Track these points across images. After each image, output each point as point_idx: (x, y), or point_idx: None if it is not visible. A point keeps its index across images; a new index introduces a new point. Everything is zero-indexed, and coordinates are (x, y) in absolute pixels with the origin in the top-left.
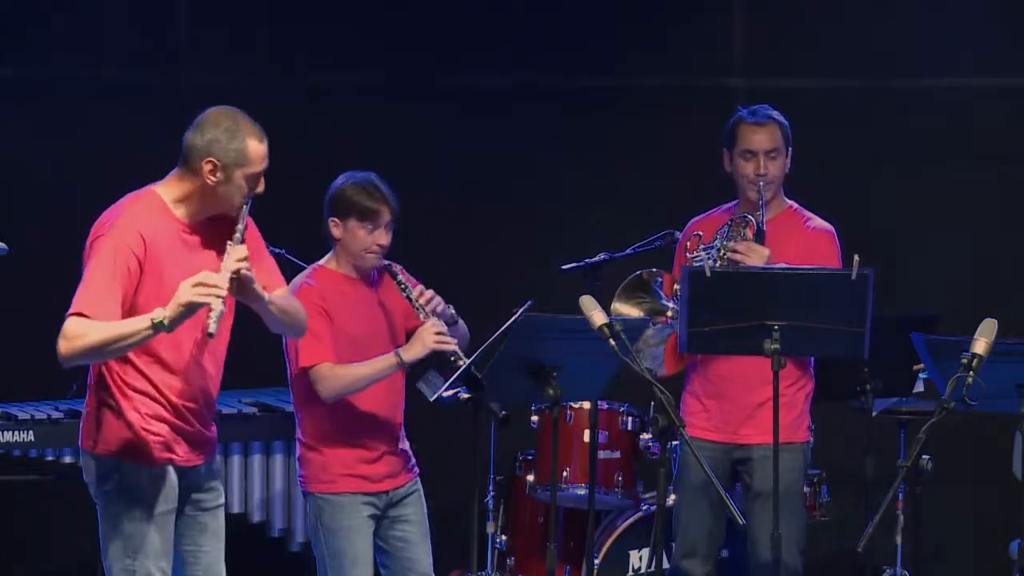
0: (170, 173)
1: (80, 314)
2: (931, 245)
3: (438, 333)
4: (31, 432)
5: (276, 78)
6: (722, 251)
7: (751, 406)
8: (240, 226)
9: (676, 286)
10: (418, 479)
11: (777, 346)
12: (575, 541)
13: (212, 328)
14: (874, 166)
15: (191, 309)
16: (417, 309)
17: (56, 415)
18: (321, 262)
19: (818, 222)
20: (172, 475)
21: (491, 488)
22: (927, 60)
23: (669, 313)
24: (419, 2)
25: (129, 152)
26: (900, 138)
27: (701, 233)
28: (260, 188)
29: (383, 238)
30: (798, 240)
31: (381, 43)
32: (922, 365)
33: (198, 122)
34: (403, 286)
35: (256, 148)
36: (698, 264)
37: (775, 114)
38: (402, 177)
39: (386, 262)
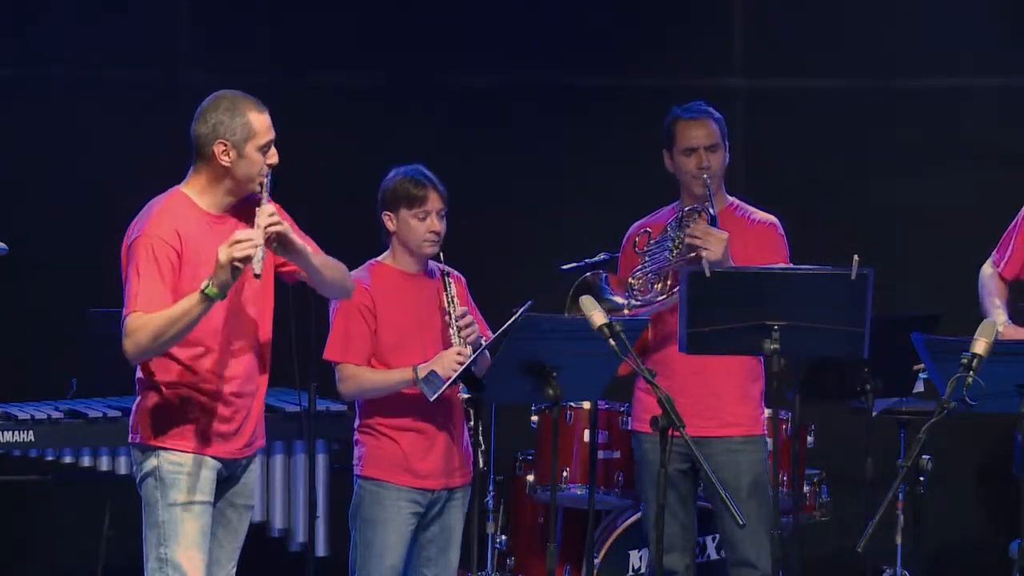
0: (188, 172)
1: (136, 311)
2: (931, 245)
3: (460, 362)
4: (31, 432)
5: (276, 78)
6: (676, 241)
7: (709, 400)
8: (264, 194)
9: (631, 280)
10: (470, 485)
11: (777, 346)
12: (575, 541)
13: (257, 269)
14: (874, 166)
15: (233, 269)
16: (451, 330)
17: (56, 415)
18: (379, 258)
19: (761, 215)
20: (210, 465)
21: (491, 488)
22: (927, 60)
23: (626, 311)
24: (419, 2)
25: (130, 152)
26: (900, 138)
27: (650, 230)
28: (274, 159)
29: (436, 225)
30: (743, 234)
31: (381, 43)
32: (922, 365)
33: (198, 113)
34: (451, 300)
35: (259, 119)
36: (654, 255)
37: (710, 108)
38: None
39: (448, 269)
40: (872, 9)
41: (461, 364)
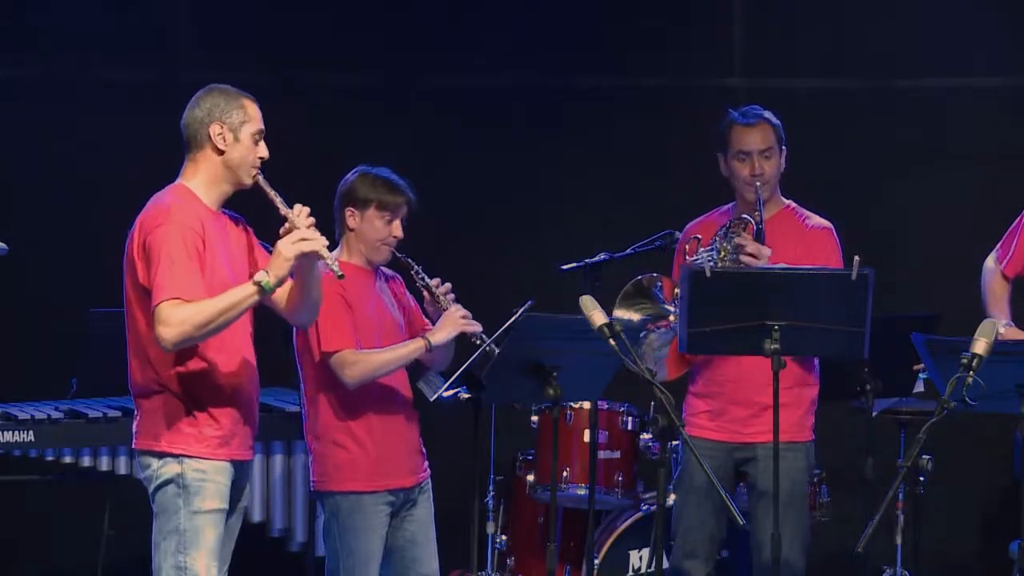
0: (182, 168)
1: (175, 299)
2: (931, 245)
3: (463, 316)
4: (31, 432)
5: (274, 78)
6: (722, 252)
7: (756, 406)
8: (275, 195)
9: (676, 290)
10: (429, 478)
11: (777, 346)
12: (575, 541)
13: (337, 268)
14: (874, 166)
15: (294, 263)
16: (437, 298)
17: (56, 415)
18: (333, 253)
19: (817, 220)
20: (230, 471)
21: (491, 488)
22: (927, 60)
23: (671, 318)
24: (418, 3)
25: (129, 152)
26: (900, 138)
27: (700, 236)
28: (264, 151)
29: (399, 230)
30: (797, 238)
31: (380, 44)
32: (922, 365)
33: (191, 105)
34: (421, 276)
35: (252, 106)
36: (698, 264)
37: (766, 114)
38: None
39: (400, 254)
40: (872, 9)
41: (466, 320)
